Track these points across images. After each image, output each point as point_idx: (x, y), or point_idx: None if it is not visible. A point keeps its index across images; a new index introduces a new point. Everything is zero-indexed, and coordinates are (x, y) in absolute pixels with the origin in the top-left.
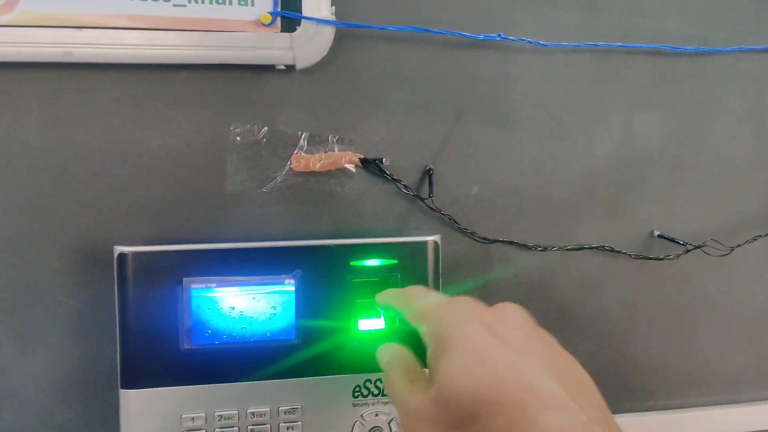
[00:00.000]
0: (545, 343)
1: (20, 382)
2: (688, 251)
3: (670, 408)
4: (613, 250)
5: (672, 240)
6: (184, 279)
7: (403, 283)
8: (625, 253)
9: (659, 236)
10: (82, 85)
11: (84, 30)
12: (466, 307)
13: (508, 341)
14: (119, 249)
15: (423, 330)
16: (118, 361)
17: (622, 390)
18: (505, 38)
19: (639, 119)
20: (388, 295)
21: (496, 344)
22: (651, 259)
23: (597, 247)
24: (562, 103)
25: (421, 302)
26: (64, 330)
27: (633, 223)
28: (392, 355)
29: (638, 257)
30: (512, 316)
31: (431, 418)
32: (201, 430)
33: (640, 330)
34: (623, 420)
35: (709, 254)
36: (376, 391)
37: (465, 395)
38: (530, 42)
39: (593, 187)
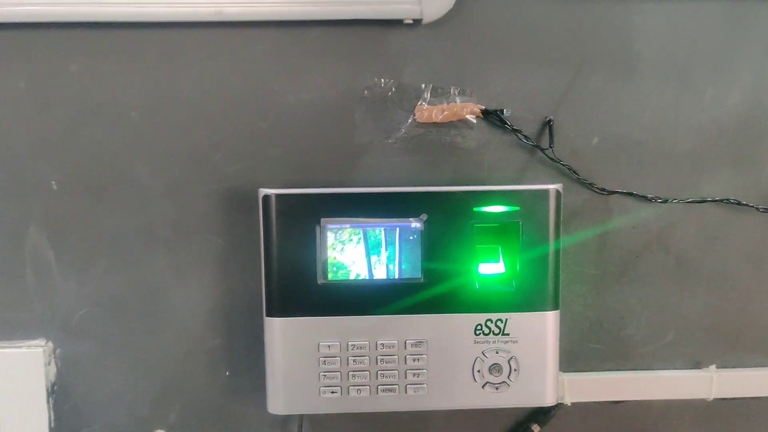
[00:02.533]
0: None
1: (178, 309)
2: None
3: None
4: (739, 203)
5: None
6: (321, 219)
7: (524, 231)
8: (752, 206)
9: None
10: (230, 42)
11: None
12: None
13: None
14: (263, 191)
15: None
16: (262, 293)
17: (741, 344)
18: None
19: None
20: None
21: None
22: None
23: (721, 200)
24: (688, 53)
25: None
26: (214, 265)
27: (762, 176)
28: None
29: (766, 211)
30: None
31: None
32: (336, 356)
33: (765, 286)
34: (742, 374)
35: None
36: (496, 330)
37: None
38: None
39: (719, 138)
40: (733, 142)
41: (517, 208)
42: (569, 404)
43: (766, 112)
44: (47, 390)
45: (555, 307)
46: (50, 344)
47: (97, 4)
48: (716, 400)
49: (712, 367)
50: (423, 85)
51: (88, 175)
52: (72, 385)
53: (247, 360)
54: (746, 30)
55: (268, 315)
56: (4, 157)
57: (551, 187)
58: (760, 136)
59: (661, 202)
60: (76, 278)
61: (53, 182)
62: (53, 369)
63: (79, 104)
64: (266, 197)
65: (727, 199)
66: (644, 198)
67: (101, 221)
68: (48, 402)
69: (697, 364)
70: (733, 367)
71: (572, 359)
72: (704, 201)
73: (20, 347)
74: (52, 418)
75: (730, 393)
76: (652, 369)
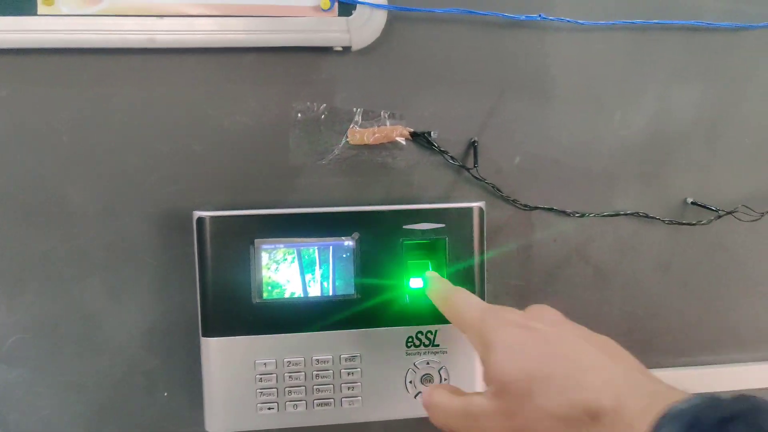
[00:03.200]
0: (578, 328)
1: (114, 332)
2: (719, 217)
3: (701, 364)
4: (647, 216)
5: (704, 207)
6: (255, 240)
7: (451, 246)
8: (658, 218)
9: (692, 203)
10: (163, 68)
11: (165, 18)
12: (502, 314)
13: (544, 332)
14: (198, 213)
15: (468, 337)
16: (198, 313)
17: (655, 347)
18: (545, 18)
19: (674, 93)
20: (436, 295)
21: (532, 335)
22: (684, 224)
23: (632, 214)
24: (599, 79)
25: (464, 312)
26: (150, 286)
27: (667, 192)
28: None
29: (671, 223)
30: (544, 313)
31: (493, 410)
32: (272, 374)
33: (674, 291)
34: (657, 374)
35: (741, 219)
36: (427, 342)
37: (518, 378)
38: (569, 21)
39: (629, 157)
40: (641, 160)
41: (443, 225)
42: None
43: (669, 133)
44: None
45: None
46: None
47: (26, 32)
48: None
49: None
50: (355, 109)
51: (19, 199)
52: (4, 412)
53: (186, 380)
54: (650, 57)
55: (204, 335)
56: None
57: (474, 204)
58: (663, 154)
59: (579, 216)
60: (7, 305)
61: None
62: None
63: (9, 129)
64: (200, 219)
65: (637, 213)
66: (563, 213)
67: (32, 246)
68: None
69: None
70: (649, 368)
71: None
72: (617, 214)
73: None
74: None
75: None
76: None
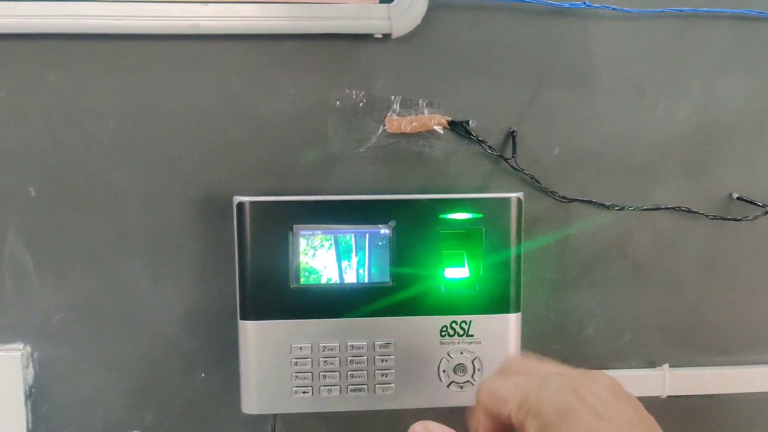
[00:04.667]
0: (634, 407)
1: (154, 314)
2: (766, 213)
3: (741, 364)
4: (689, 211)
5: (750, 202)
6: (294, 225)
7: (487, 237)
8: (701, 213)
9: (738, 198)
10: (205, 55)
11: (209, 4)
12: (564, 388)
13: (610, 419)
14: (238, 199)
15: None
16: (237, 297)
17: (693, 344)
18: (589, 6)
19: (721, 84)
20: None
21: (603, 426)
22: (728, 219)
23: (673, 208)
24: (643, 69)
25: (506, 388)
26: (189, 270)
27: (711, 186)
28: None
29: (715, 218)
30: (605, 389)
31: None
32: (307, 358)
33: (715, 289)
34: (695, 373)
35: None
36: (461, 332)
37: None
38: (614, 8)
39: (672, 149)
40: (684, 153)
41: (481, 215)
42: None
43: (715, 125)
44: (25, 393)
45: (517, 310)
46: (28, 348)
47: (75, 17)
48: (669, 397)
49: (666, 366)
50: (393, 97)
51: (66, 183)
52: (49, 388)
53: (222, 362)
54: (696, 46)
55: (242, 318)
56: None
57: (513, 195)
58: (708, 148)
59: (618, 210)
60: (54, 283)
61: (31, 189)
62: (31, 372)
63: (57, 113)
64: (240, 204)
65: (679, 207)
66: (602, 205)
67: (78, 228)
68: (26, 405)
69: (651, 364)
70: (686, 366)
71: None
72: (658, 208)
73: None
74: (30, 420)
75: (682, 391)
76: (610, 368)
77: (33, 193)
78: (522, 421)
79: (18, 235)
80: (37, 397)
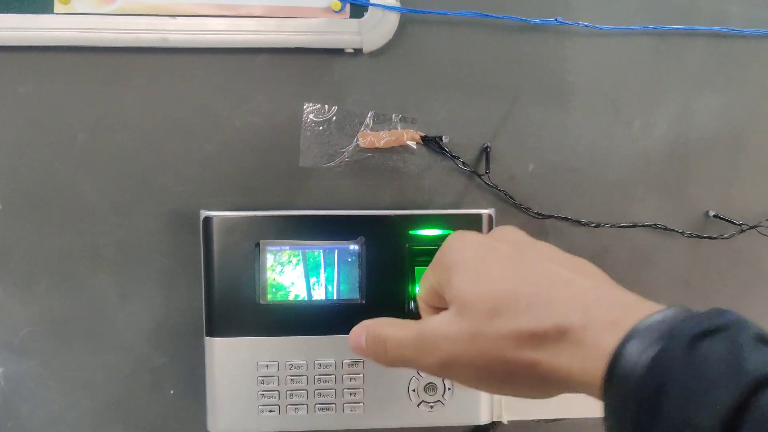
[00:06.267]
0: (548, 247)
1: (123, 329)
2: (742, 231)
3: None
4: (666, 228)
5: (727, 220)
6: (261, 241)
7: None
8: (678, 231)
9: (714, 216)
10: (175, 68)
11: (178, 18)
12: (463, 234)
13: (510, 250)
14: (204, 213)
15: (433, 278)
16: (203, 313)
17: None
18: (562, 22)
19: (697, 101)
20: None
21: (497, 254)
22: (704, 237)
23: (650, 225)
24: (618, 85)
25: (427, 272)
26: (159, 285)
27: (688, 203)
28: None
29: (691, 236)
30: (508, 233)
31: (454, 333)
32: (274, 376)
33: (694, 307)
34: None
35: (764, 234)
36: None
37: (482, 296)
38: (587, 26)
39: (648, 166)
40: (661, 170)
41: (451, 231)
42: (506, 422)
43: (691, 142)
44: None
45: None
46: None
47: (44, 30)
48: None
49: None
50: (366, 112)
51: (34, 195)
52: (16, 404)
53: (192, 379)
54: (672, 63)
55: (208, 335)
56: None
57: (484, 211)
58: (684, 165)
59: (594, 227)
60: (20, 298)
61: None
62: None
63: (26, 125)
64: (207, 219)
65: (656, 224)
66: (578, 222)
67: (46, 241)
68: None
69: None
70: None
71: None
72: (634, 226)
73: None
74: None
75: None
76: None
77: (0, 206)
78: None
79: None
80: (3, 412)
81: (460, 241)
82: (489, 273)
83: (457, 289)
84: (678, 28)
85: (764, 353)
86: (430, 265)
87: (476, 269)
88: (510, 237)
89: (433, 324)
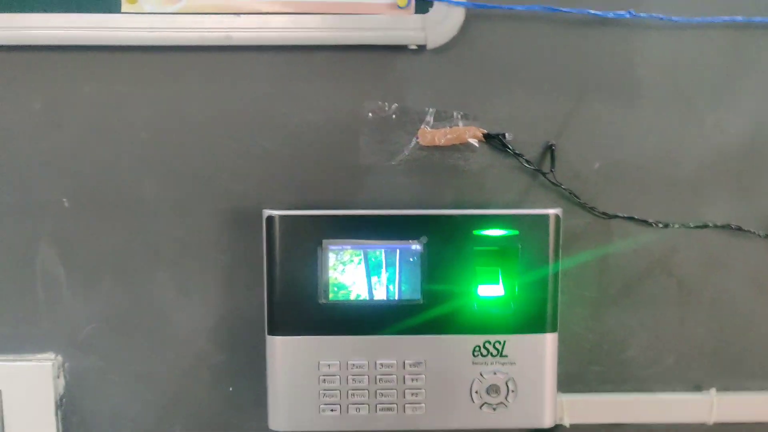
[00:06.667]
0: None
1: (181, 326)
2: None
3: None
4: (740, 229)
5: None
6: (323, 240)
7: (523, 254)
8: (753, 232)
9: None
10: (238, 66)
11: (242, 16)
12: None
13: None
14: (267, 212)
15: None
16: (265, 311)
17: (744, 369)
18: (635, 15)
19: None
20: None
21: None
22: None
23: (723, 226)
24: (692, 81)
25: None
26: (218, 282)
27: (763, 203)
28: None
29: None
30: None
31: None
32: (335, 375)
33: (766, 311)
34: (745, 398)
35: None
36: (495, 352)
37: None
38: (661, 18)
39: (720, 164)
40: (734, 168)
41: (517, 232)
42: (568, 426)
43: (767, 141)
44: (56, 403)
45: (553, 330)
46: (59, 358)
47: (109, 29)
48: (716, 424)
49: (713, 391)
50: (427, 109)
51: (98, 194)
52: (79, 398)
53: (250, 376)
54: (748, 58)
55: (270, 333)
56: (18, 175)
57: (551, 211)
58: (760, 163)
59: (662, 227)
60: (85, 294)
61: (65, 200)
62: (62, 382)
63: (90, 125)
64: (270, 218)
65: (729, 225)
66: (645, 222)
67: (110, 239)
68: (56, 414)
69: (697, 388)
70: (734, 390)
71: (573, 381)
72: (706, 226)
73: (30, 361)
74: (61, 430)
75: (730, 417)
76: (653, 392)
77: (66, 204)
78: None
79: (51, 246)
80: (67, 407)
81: None
82: None
83: None
84: (756, 20)
85: None
86: None
87: None
88: None
89: None
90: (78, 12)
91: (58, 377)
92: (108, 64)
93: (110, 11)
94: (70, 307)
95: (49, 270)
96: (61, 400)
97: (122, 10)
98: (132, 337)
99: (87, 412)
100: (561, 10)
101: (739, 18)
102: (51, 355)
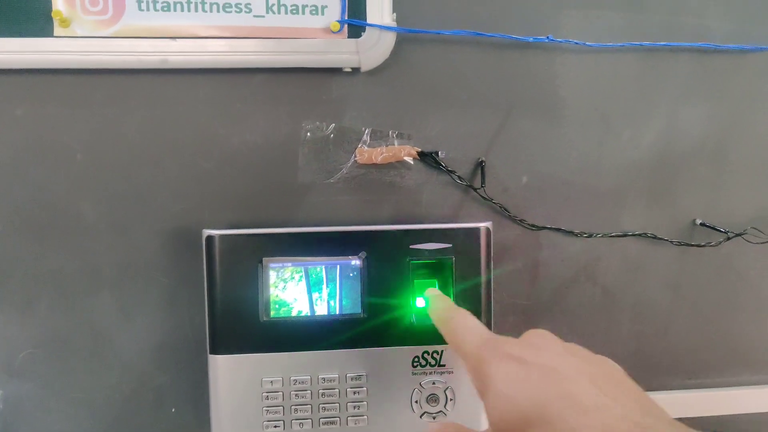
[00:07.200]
0: (573, 353)
1: (123, 348)
2: (729, 239)
3: (710, 386)
4: (655, 237)
5: (713, 228)
6: (263, 258)
7: (457, 266)
8: (667, 240)
9: (701, 224)
10: (175, 89)
11: (178, 40)
12: (500, 346)
13: (541, 366)
14: (207, 232)
15: (465, 364)
16: (206, 331)
17: (663, 368)
18: (553, 40)
19: (682, 113)
20: (436, 315)
21: (529, 372)
22: (692, 245)
23: (640, 234)
24: (607, 100)
25: (462, 338)
26: (159, 303)
27: (675, 212)
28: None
29: (680, 244)
30: (542, 341)
31: None
32: (278, 392)
33: (682, 312)
34: (665, 396)
35: (750, 242)
36: (433, 362)
37: (514, 422)
38: (577, 43)
39: (637, 177)
40: (649, 180)
41: (451, 244)
42: None
43: (678, 153)
44: None
45: None
46: None
47: (42, 53)
48: None
49: None
50: (363, 129)
51: (33, 216)
52: (15, 427)
53: (194, 396)
54: (657, 78)
55: (212, 352)
56: None
57: (481, 225)
58: (671, 175)
59: (586, 237)
60: (19, 320)
61: None
62: None
63: (24, 147)
64: (210, 237)
65: (645, 233)
66: (571, 233)
67: (44, 262)
68: None
69: None
70: (656, 390)
71: None
72: (625, 235)
73: None
74: None
75: None
76: None
77: None
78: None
79: None
80: None
81: (496, 354)
82: (521, 395)
83: (492, 412)
84: (662, 45)
85: None
86: (463, 347)
87: (509, 390)
88: (545, 346)
89: None
90: (10, 36)
91: None
92: (41, 87)
93: (42, 35)
94: (3, 333)
95: None
96: None
97: (55, 34)
98: (71, 361)
99: None
100: (485, 35)
101: (646, 43)
102: None
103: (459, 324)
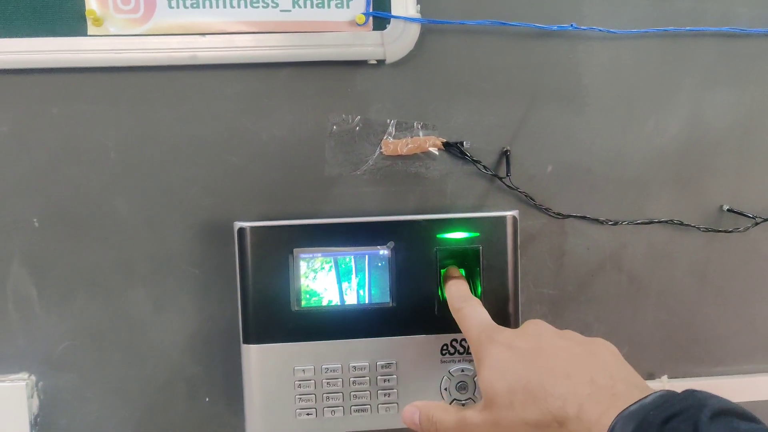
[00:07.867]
0: (562, 336)
1: (157, 340)
2: (756, 224)
3: (737, 373)
4: (682, 224)
5: (741, 214)
6: (294, 249)
7: (484, 254)
8: (693, 226)
9: (728, 210)
10: (204, 84)
11: (207, 36)
12: (494, 334)
13: (526, 349)
14: (238, 224)
15: (471, 349)
16: (239, 321)
17: (690, 355)
18: (576, 28)
19: (708, 99)
20: (450, 302)
21: (515, 354)
22: (719, 231)
23: (666, 221)
24: (631, 87)
25: (467, 326)
26: (191, 295)
27: (702, 198)
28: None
29: (707, 230)
30: (532, 329)
31: (483, 421)
32: (310, 380)
33: (709, 299)
34: (692, 383)
35: None
36: (461, 350)
37: (501, 392)
38: (600, 30)
39: (663, 164)
40: (675, 166)
41: (477, 234)
42: None
43: (703, 139)
44: (30, 422)
45: (516, 326)
46: (33, 377)
47: (76, 51)
48: None
49: (665, 378)
50: (388, 121)
51: (69, 213)
52: (54, 416)
53: (226, 386)
54: (683, 64)
55: (245, 342)
56: None
57: (508, 213)
58: (697, 161)
59: (612, 225)
60: (58, 313)
61: (35, 220)
62: (36, 402)
63: (59, 145)
64: (241, 230)
65: (671, 220)
66: (596, 221)
67: (81, 257)
68: None
69: (650, 375)
70: (683, 377)
71: None
72: (651, 222)
73: (3, 381)
74: None
75: None
76: None
77: (36, 224)
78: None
79: (22, 266)
80: (42, 426)
81: (490, 340)
82: (507, 371)
83: (483, 385)
84: (687, 30)
85: (716, 426)
86: (469, 332)
87: (497, 368)
88: (534, 332)
89: (469, 413)
90: (45, 36)
91: (32, 397)
92: (75, 85)
93: (76, 34)
94: (42, 326)
95: (20, 290)
96: (35, 419)
97: (88, 33)
98: (107, 353)
99: (62, 430)
100: (509, 24)
101: (671, 28)
102: (25, 375)
103: (467, 313)
